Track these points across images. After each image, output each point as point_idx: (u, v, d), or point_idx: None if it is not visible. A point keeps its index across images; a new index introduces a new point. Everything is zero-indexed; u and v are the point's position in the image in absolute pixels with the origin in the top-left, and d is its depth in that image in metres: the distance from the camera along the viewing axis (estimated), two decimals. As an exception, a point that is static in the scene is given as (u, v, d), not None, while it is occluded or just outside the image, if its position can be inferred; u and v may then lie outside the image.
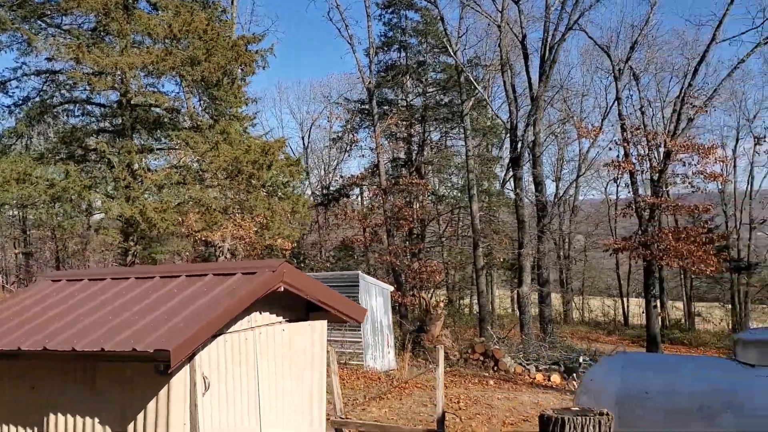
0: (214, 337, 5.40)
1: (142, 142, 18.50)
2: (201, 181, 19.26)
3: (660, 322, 31.38)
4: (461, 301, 40.73)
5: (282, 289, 5.79)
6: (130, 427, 5.24)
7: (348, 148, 39.04)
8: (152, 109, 19.49)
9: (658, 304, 32.15)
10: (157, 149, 19.09)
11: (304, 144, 47.29)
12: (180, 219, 16.93)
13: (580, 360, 21.28)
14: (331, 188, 40.89)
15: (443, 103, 36.19)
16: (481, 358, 19.77)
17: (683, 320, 40.66)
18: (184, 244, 19.43)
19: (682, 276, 41.49)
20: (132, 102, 19.17)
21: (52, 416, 5.55)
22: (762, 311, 43.23)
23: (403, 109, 36.68)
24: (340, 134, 38.71)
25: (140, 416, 5.20)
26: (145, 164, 18.13)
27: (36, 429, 5.69)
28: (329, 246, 42.49)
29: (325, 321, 6.58)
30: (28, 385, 5.75)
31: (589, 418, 4.16)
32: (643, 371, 6.02)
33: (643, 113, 34.95)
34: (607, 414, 4.27)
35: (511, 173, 40.87)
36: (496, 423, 11.96)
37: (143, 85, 18.01)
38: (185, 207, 18.15)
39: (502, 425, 11.74)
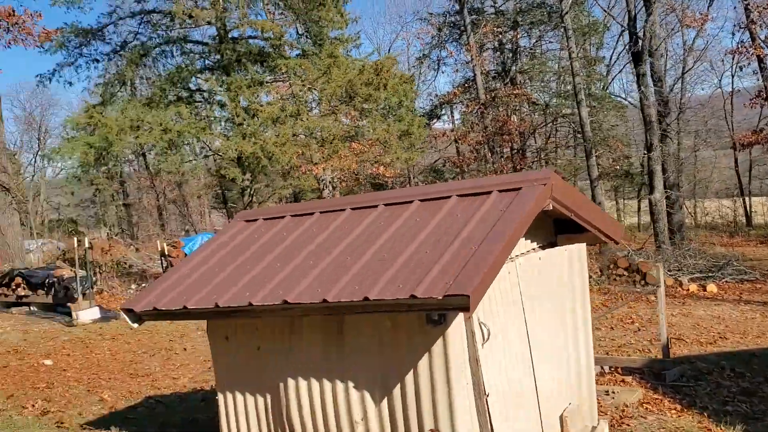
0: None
1: (251, 76, 17.46)
2: (309, 110, 18.24)
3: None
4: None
5: (551, 207, 4.60)
6: (396, 391, 4.26)
7: (437, 66, 37.05)
8: (253, 41, 18.45)
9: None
10: (267, 82, 18.04)
11: (385, 68, 45.52)
12: (300, 151, 16.00)
13: (732, 266, 19.57)
14: (420, 110, 39.31)
15: (536, 4, 33.61)
16: (626, 272, 18.37)
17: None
18: (304, 179, 18.58)
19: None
20: (231, 36, 18.18)
21: (290, 381, 4.64)
22: None
23: (492, 17, 34.37)
24: (426, 52, 36.72)
25: (409, 378, 4.19)
26: (257, 99, 17.16)
27: (270, 396, 4.83)
28: (416, 171, 41.28)
29: (584, 245, 5.38)
30: (254, 345, 4.87)
31: None
32: None
33: (763, -8, 31.28)
34: None
35: (614, 74, 38.23)
36: (692, 341, 10.68)
37: (246, 14, 16.80)
38: (300, 139, 17.24)
39: (711, 344, 10.41)
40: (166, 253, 17.84)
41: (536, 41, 36.10)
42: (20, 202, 21.32)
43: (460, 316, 4.12)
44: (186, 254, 17.49)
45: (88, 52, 20.69)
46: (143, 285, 20.59)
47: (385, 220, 4.83)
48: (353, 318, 4.37)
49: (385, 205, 5.05)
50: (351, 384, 4.40)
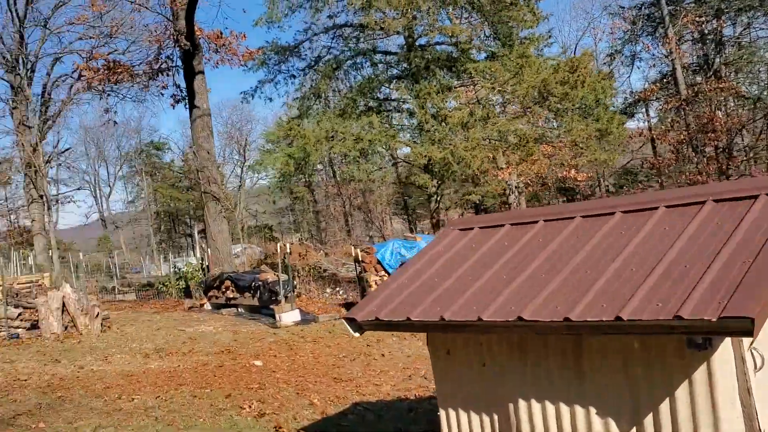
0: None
1: (438, 82, 17.45)
2: (499, 114, 17.84)
3: None
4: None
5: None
6: (648, 421, 3.77)
7: (630, 62, 34.95)
8: (440, 47, 18.46)
9: None
10: (456, 86, 17.94)
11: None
12: (490, 155, 15.65)
13: None
14: (613, 108, 37.30)
15: (746, -13, 30.46)
16: None
17: None
18: (495, 183, 18.23)
19: None
20: (418, 43, 18.32)
21: (521, 402, 4.32)
22: None
23: (692, 6, 31.73)
24: (618, 47, 34.75)
25: (663, 408, 3.70)
26: (445, 105, 17.09)
27: (498, 416, 4.53)
28: (606, 174, 39.22)
29: None
30: (479, 361, 4.60)
31: None
32: None
33: None
34: None
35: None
36: None
37: (435, 20, 16.79)
38: (488, 143, 16.89)
39: None
40: (360, 259, 18.32)
41: (744, 29, 32.81)
42: (228, 210, 23.04)
43: (728, 340, 3.56)
44: (379, 260, 17.84)
45: (286, 68, 21.95)
46: (337, 289, 21.35)
47: (625, 230, 4.35)
48: (593, 340, 3.95)
49: (623, 212, 4.56)
50: (593, 410, 3.98)
